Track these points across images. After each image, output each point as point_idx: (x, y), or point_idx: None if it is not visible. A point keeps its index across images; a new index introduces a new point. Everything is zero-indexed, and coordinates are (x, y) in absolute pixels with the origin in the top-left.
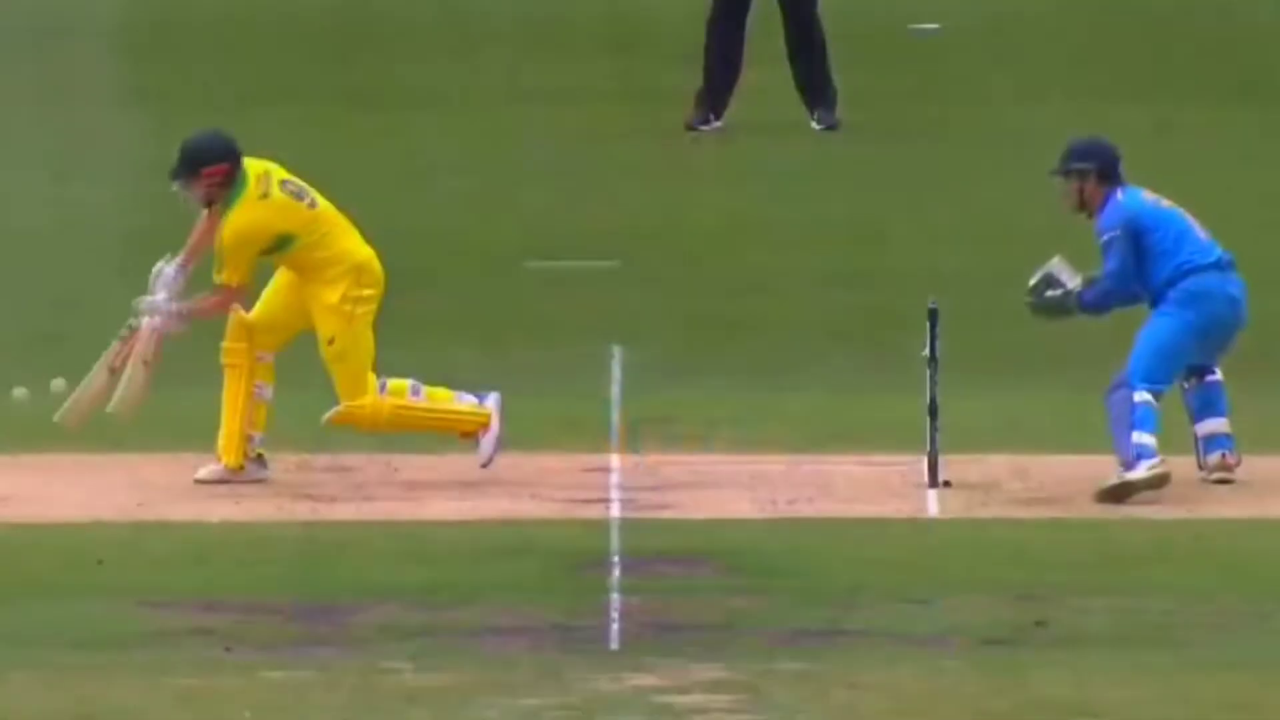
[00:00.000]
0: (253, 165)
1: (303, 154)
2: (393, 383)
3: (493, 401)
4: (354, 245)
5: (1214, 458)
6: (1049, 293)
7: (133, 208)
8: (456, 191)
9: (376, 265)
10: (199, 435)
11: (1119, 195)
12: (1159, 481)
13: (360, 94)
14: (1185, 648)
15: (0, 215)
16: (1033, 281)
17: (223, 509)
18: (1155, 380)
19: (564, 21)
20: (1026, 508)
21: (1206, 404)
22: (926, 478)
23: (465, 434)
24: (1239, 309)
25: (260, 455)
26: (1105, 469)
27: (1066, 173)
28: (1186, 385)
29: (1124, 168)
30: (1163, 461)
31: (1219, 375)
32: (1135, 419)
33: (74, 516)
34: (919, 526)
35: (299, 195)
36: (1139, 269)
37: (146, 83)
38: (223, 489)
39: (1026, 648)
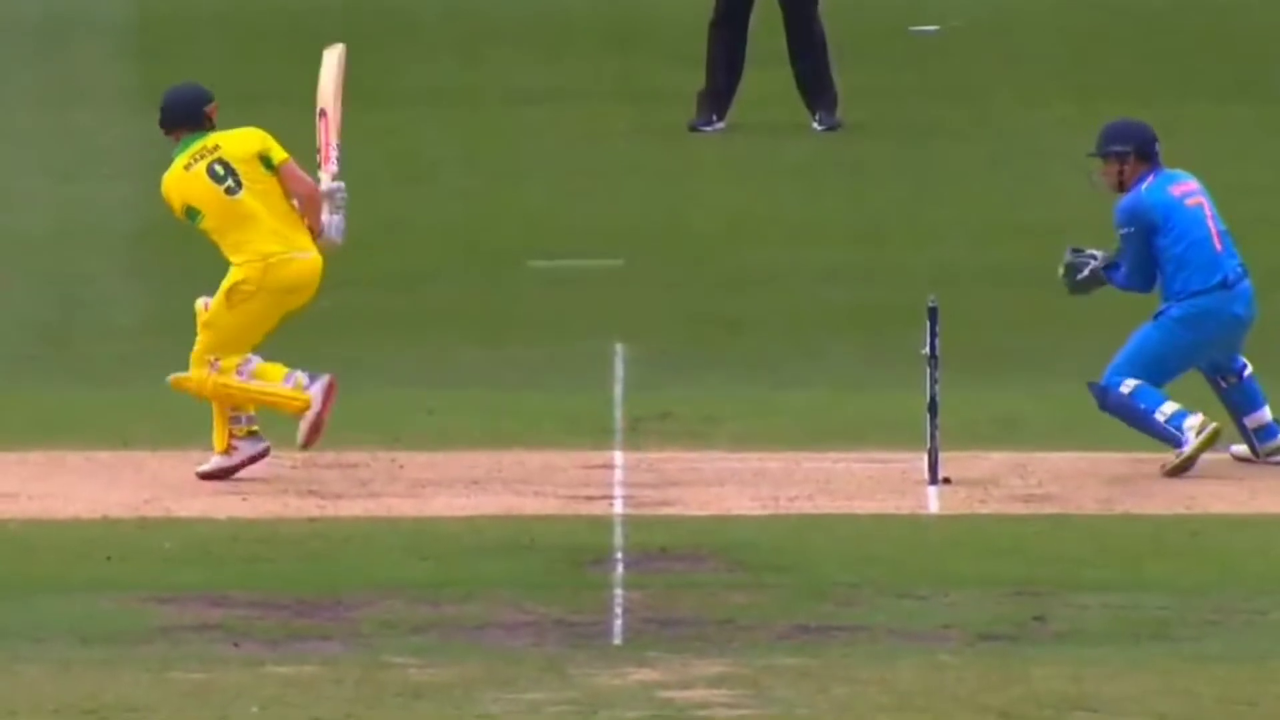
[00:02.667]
0: (210, 138)
1: (305, 153)
2: (225, 360)
3: (318, 387)
4: (264, 242)
5: (1271, 444)
6: (1079, 276)
7: (139, 208)
8: (459, 190)
9: (289, 271)
10: (205, 432)
11: (1144, 184)
12: (1213, 438)
13: (364, 93)
14: (1182, 643)
15: (6, 215)
16: (1061, 271)
17: (230, 506)
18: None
19: (566, 21)
20: (1026, 504)
21: (1248, 398)
22: (926, 474)
23: (291, 413)
24: (1242, 321)
25: (253, 432)
26: (1105, 465)
27: (1106, 155)
28: (1225, 384)
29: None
30: (1200, 415)
31: (1250, 368)
32: (1146, 403)
33: (82, 513)
34: (919, 523)
35: (221, 179)
36: (1154, 262)
37: (152, 83)
38: (227, 485)
39: (1025, 643)
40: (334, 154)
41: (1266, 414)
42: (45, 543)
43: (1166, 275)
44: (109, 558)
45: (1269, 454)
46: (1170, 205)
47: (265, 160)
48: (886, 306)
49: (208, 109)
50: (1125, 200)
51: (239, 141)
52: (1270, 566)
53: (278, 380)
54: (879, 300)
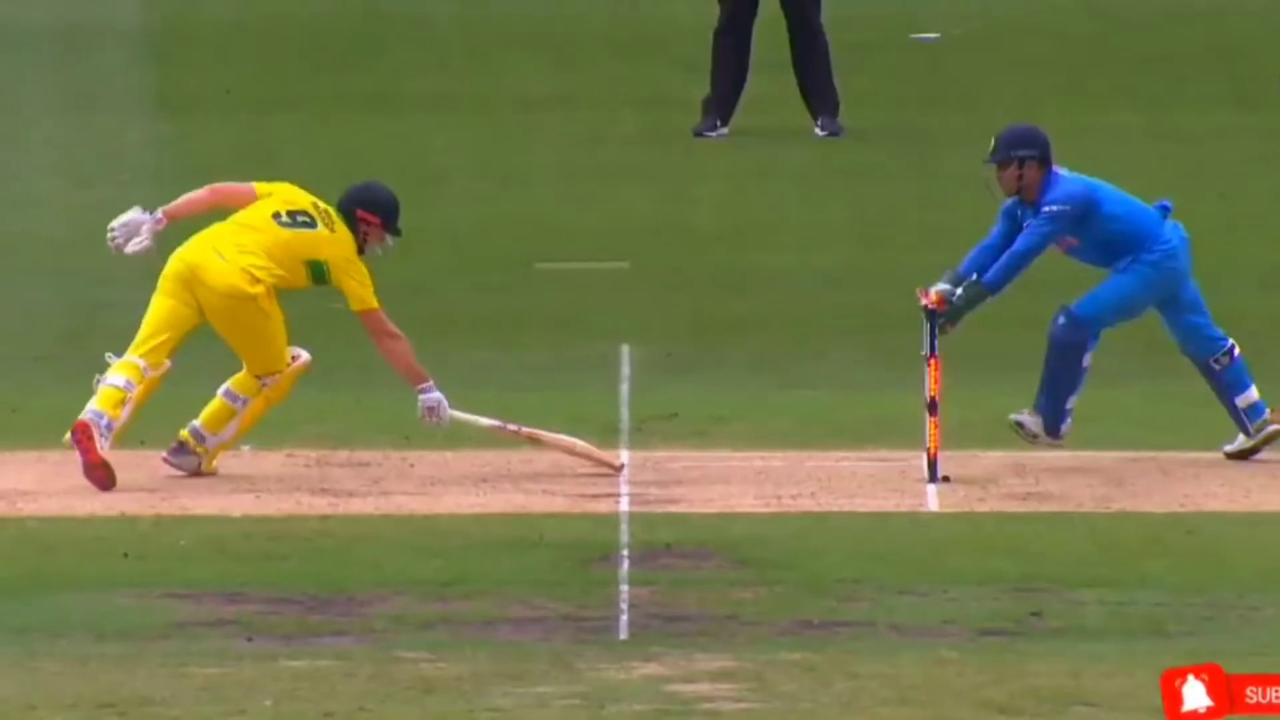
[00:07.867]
0: (335, 218)
1: (318, 158)
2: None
3: (72, 436)
4: (206, 238)
5: (1260, 419)
6: (955, 298)
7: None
8: (469, 194)
9: (173, 265)
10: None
11: (1063, 173)
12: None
13: (374, 99)
14: (1177, 639)
15: (26, 219)
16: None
17: (244, 503)
18: (1101, 323)
19: (574, 29)
20: (1023, 503)
21: (1239, 378)
22: (926, 473)
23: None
24: (1189, 244)
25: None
26: (1101, 464)
27: (1009, 159)
28: (1218, 365)
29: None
30: (1069, 423)
31: (1237, 346)
32: (1079, 383)
33: (99, 510)
34: (919, 521)
35: (294, 217)
36: (1098, 234)
37: (167, 89)
38: (241, 483)
39: (1023, 639)
40: (492, 423)
41: (1254, 393)
42: (63, 540)
43: (1126, 236)
44: (125, 554)
45: (1260, 430)
46: (1097, 183)
47: (315, 269)
48: (887, 309)
49: (361, 211)
50: (1057, 186)
51: (340, 241)
52: (1264, 564)
53: (101, 401)
54: (880, 303)
